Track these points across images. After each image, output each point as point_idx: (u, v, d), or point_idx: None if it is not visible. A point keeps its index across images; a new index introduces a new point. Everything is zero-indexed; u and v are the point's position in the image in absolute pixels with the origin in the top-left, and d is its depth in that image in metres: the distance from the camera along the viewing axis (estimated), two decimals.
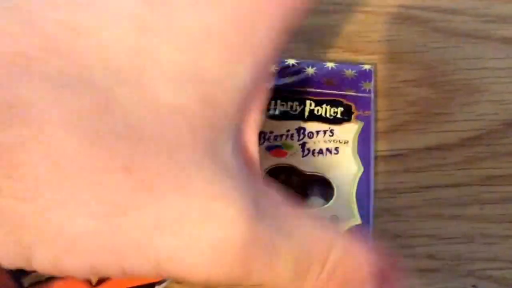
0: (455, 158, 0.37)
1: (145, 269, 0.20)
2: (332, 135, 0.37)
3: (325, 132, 0.38)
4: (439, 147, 0.38)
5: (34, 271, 0.32)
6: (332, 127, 0.38)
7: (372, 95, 0.39)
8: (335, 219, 0.34)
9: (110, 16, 0.21)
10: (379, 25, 0.43)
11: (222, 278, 0.21)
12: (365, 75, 0.40)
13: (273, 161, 0.37)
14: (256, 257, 0.22)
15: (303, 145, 0.37)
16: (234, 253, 0.21)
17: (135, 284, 0.34)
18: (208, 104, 0.22)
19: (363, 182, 0.35)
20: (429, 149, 0.38)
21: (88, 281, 0.34)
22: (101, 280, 0.33)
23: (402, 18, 0.42)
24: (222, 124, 0.23)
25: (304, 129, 0.38)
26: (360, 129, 0.37)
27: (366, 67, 0.40)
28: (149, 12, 0.21)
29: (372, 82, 0.39)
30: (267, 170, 0.37)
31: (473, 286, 0.33)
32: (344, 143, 0.37)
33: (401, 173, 0.36)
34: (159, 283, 0.33)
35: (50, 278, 0.34)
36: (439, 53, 0.40)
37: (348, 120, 0.38)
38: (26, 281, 0.34)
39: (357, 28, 0.43)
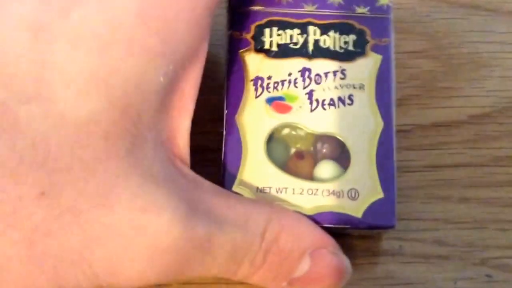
0: (463, 136, 0.34)
1: (86, 283, 0.21)
2: (344, 77, 0.31)
3: (335, 73, 0.31)
4: (445, 124, 0.34)
5: None
6: (343, 65, 0.31)
7: (391, 15, 0.32)
8: (354, 194, 0.30)
9: (7, 28, 0.20)
10: None
11: (159, 280, 0.23)
12: None
13: (276, 119, 0.31)
14: (190, 256, 0.23)
15: (310, 94, 0.31)
16: (168, 259, 0.22)
17: None
18: (121, 110, 0.21)
19: (384, 141, 0.30)
20: (435, 125, 0.34)
21: None
22: None
23: None
24: (141, 128, 0.22)
25: (310, 70, 0.31)
26: (378, 67, 0.31)
27: None
28: (45, 14, 0.20)
29: None
30: (269, 134, 0.31)
31: (487, 275, 0.31)
32: (359, 88, 0.31)
33: (405, 150, 0.32)
34: None
35: None
36: (445, 24, 0.36)
37: (362, 53, 0.31)
38: None
39: None
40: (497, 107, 0.35)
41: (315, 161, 0.30)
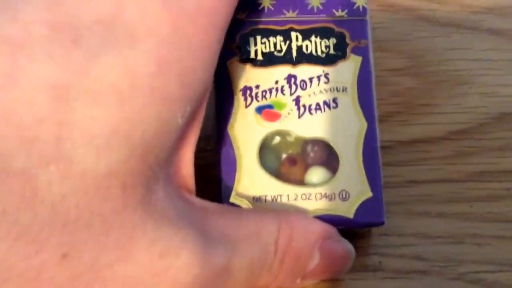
0: (442, 152, 0.35)
1: None
2: (327, 81, 0.32)
3: (319, 78, 0.32)
4: (425, 140, 0.36)
5: None
6: (326, 69, 0.32)
7: (368, 16, 0.33)
8: (344, 195, 0.32)
9: (26, 92, 0.20)
10: None
11: None
12: None
13: (266, 128, 0.32)
14: (212, 286, 0.24)
15: (297, 100, 0.32)
16: None
17: None
18: (140, 158, 0.22)
19: (368, 141, 0.32)
20: (414, 141, 0.35)
21: None
22: None
23: (385, 5, 0.38)
24: (155, 168, 0.22)
25: (295, 77, 0.32)
26: (358, 68, 0.32)
27: None
28: (64, 73, 0.20)
29: None
30: (261, 142, 0.32)
31: None
32: (343, 91, 0.32)
33: (385, 166, 0.33)
34: None
35: None
36: (424, 43, 0.37)
37: (343, 56, 0.33)
38: None
39: None
40: (474, 123, 0.37)
41: (306, 166, 0.31)
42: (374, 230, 0.34)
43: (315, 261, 0.28)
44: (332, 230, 0.29)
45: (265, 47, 0.32)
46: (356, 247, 0.32)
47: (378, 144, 0.32)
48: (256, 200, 0.31)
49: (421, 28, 0.38)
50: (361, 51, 0.32)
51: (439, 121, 0.37)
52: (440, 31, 0.38)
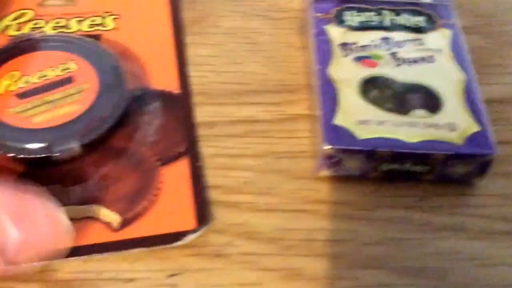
0: None
1: None
2: (421, 44, 0.34)
3: (413, 41, 0.34)
4: (501, 100, 0.36)
5: None
6: (419, 36, 0.34)
7: (451, 2, 0.36)
8: (452, 126, 0.30)
9: None
10: None
11: None
12: None
13: (366, 71, 0.33)
14: None
15: (393, 54, 0.34)
16: None
17: (164, 232, 0.29)
18: None
19: (470, 90, 0.32)
20: (490, 101, 0.35)
21: (110, 225, 0.29)
22: (123, 225, 0.29)
23: None
24: None
25: (390, 38, 0.34)
26: (450, 38, 0.34)
27: None
28: None
29: None
30: (362, 81, 0.32)
31: None
32: (437, 51, 0.34)
33: None
34: (193, 231, 0.29)
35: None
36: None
37: (433, 28, 0.35)
38: None
39: None
40: None
41: (408, 108, 0.31)
42: (457, 190, 0.32)
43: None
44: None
45: (360, 17, 0.35)
46: (439, 207, 0.31)
47: (478, 91, 0.32)
48: (361, 123, 0.30)
49: None
50: (450, 26, 0.35)
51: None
52: None
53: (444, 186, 0.31)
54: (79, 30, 0.36)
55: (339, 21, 0.34)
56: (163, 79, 0.34)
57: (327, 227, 0.30)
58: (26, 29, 0.36)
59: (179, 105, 0.34)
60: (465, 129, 0.30)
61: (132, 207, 0.29)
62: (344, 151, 0.29)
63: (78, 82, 0.32)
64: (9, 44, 0.34)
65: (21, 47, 0.33)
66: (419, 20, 0.35)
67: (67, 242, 0.26)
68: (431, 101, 0.31)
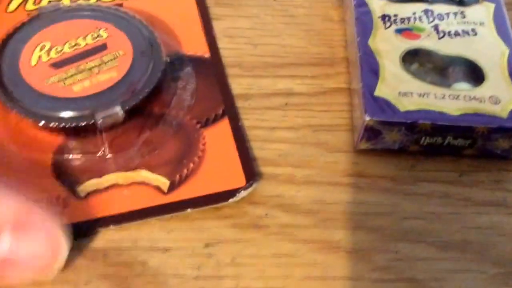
0: None
1: None
2: (464, 17, 0.33)
3: (455, 14, 0.33)
4: None
5: (90, 178, 0.28)
6: (461, 9, 0.34)
7: None
8: (495, 99, 0.30)
9: None
10: None
11: None
12: None
13: (407, 43, 0.32)
14: None
15: (435, 27, 0.33)
16: None
17: (214, 191, 0.29)
18: None
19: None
20: None
21: (159, 189, 0.29)
22: (172, 187, 0.29)
23: None
24: None
25: (432, 11, 0.34)
26: (492, 11, 0.33)
27: None
28: None
29: None
30: (402, 55, 0.32)
31: None
32: (480, 24, 0.33)
33: None
34: (244, 188, 0.29)
35: (112, 186, 0.29)
36: None
37: (477, 1, 0.34)
38: (82, 191, 0.29)
39: None
40: None
41: (451, 80, 0.30)
42: (498, 165, 0.31)
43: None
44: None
45: None
46: (480, 182, 0.30)
47: None
48: (402, 94, 0.30)
49: None
50: (493, 0, 0.34)
51: None
52: None
53: (485, 161, 0.31)
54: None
55: None
56: (192, 45, 0.34)
57: (365, 201, 0.29)
58: (44, 1, 0.36)
59: (210, 68, 0.34)
60: (509, 102, 0.29)
61: (178, 170, 0.29)
62: (385, 123, 0.29)
63: (111, 49, 0.32)
64: (35, 15, 0.33)
65: (48, 17, 0.33)
66: None
67: (60, 265, 0.25)
68: (473, 74, 0.31)
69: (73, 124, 0.29)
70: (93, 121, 0.29)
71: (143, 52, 0.31)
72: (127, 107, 0.29)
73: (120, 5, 0.35)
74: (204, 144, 0.30)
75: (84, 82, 0.30)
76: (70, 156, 0.30)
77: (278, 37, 0.35)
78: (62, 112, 0.29)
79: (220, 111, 0.32)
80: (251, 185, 0.29)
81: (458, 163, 0.31)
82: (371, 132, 0.29)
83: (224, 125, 0.31)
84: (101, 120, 0.29)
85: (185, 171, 0.29)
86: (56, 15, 0.33)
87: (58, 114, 0.29)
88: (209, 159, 0.30)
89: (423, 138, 0.30)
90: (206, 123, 0.31)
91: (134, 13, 0.34)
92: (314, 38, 0.35)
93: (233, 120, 0.31)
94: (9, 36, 0.32)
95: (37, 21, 0.33)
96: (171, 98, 0.32)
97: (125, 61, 0.31)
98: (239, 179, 0.29)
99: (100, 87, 0.30)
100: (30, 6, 0.36)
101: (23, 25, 0.33)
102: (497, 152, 0.30)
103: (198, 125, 0.31)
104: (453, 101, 0.29)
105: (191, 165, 0.30)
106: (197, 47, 0.34)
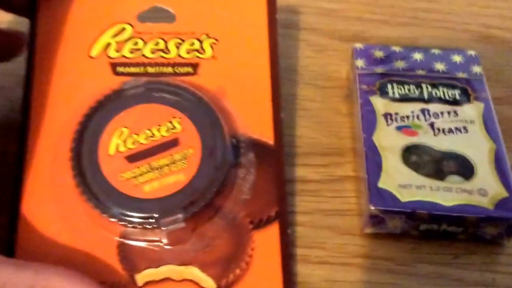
0: None
1: None
2: (456, 116, 0.38)
3: (449, 113, 0.38)
4: None
5: (148, 267, 0.31)
6: (454, 108, 0.38)
7: (484, 78, 0.40)
8: (483, 192, 0.34)
9: None
10: (461, 42, 0.45)
11: None
12: (473, 60, 0.41)
13: (407, 140, 0.37)
14: None
15: (431, 124, 0.38)
16: None
17: None
18: None
19: (499, 158, 0.36)
20: None
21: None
22: (227, 285, 0.31)
23: (482, 37, 0.46)
24: None
25: (428, 110, 0.38)
26: (482, 110, 0.38)
27: (471, 52, 0.42)
28: None
29: (481, 66, 0.41)
30: (403, 149, 0.37)
31: None
32: (471, 122, 0.38)
33: None
34: None
35: (165, 279, 0.31)
36: None
37: (467, 101, 0.39)
38: (140, 280, 0.31)
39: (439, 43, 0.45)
40: None
41: (444, 174, 0.35)
42: (488, 249, 0.35)
43: None
44: None
45: (400, 90, 0.39)
46: (471, 264, 0.34)
47: (508, 161, 0.36)
48: (402, 187, 0.34)
49: None
50: (483, 99, 0.39)
51: None
52: None
53: (476, 245, 0.35)
54: (177, 55, 0.36)
55: (382, 92, 0.39)
56: (257, 124, 0.35)
57: (371, 280, 0.34)
58: (125, 50, 0.36)
59: (272, 159, 0.34)
60: (495, 194, 0.34)
61: (225, 274, 0.31)
62: (388, 211, 0.33)
63: (182, 146, 0.33)
64: (117, 91, 0.34)
65: (130, 96, 0.34)
66: (455, 93, 0.39)
67: None
68: (465, 168, 0.35)
69: (139, 226, 0.31)
70: (156, 226, 0.31)
71: (211, 150, 0.32)
72: (188, 215, 0.31)
73: (197, 65, 0.36)
74: (252, 249, 0.32)
75: (153, 183, 0.32)
76: (133, 243, 0.31)
77: (293, 128, 0.40)
78: (130, 212, 0.31)
79: (273, 213, 0.33)
80: None
81: (452, 246, 0.35)
82: (375, 219, 0.34)
83: (274, 231, 0.32)
84: (163, 225, 0.31)
85: (231, 276, 0.31)
86: (136, 95, 0.35)
87: (126, 212, 0.31)
88: (255, 268, 0.31)
89: (421, 225, 0.34)
90: (258, 225, 0.32)
91: (207, 100, 0.34)
92: (325, 129, 0.40)
93: (283, 228, 0.32)
94: (93, 111, 0.33)
95: (119, 99, 0.34)
96: (231, 189, 0.33)
97: (193, 161, 0.32)
98: None
99: (168, 190, 0.31)
100: (112, 53, 0.36)
101: (106, 100, 0.34)
102: (487, 237, 0.34)
103: (251, 226, 0.32)
104: (446, 193, 0.34)
105: (238, 271, 0.31)
106: (262, 130, 0.35)
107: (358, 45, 0.42)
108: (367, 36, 0.45)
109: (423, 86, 0.39)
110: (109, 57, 0.36)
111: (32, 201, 0.32)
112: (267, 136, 0.35)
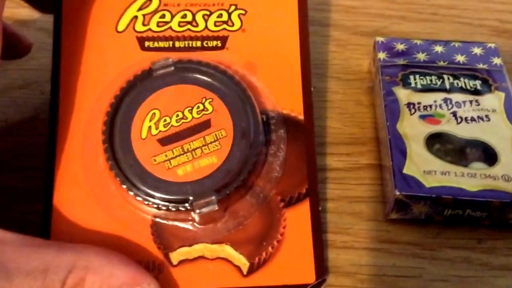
0: None
1: None
2: (478, 105, 0.39)
3: (471, 102, 0.39)
4: None
5: (182, 246, 0.31)
6: (476, 97, 0.39)
7: (504, 69, 0.41)
8: (507, 178, 0.35)
9: None
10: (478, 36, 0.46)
11: None
12: (492, 52, 0.42)
13: (430, 128, 0.38)
14: None
15: (454, 113, 0.38)
16: None
17: (285, 283, 0.32)
18: None
19: None
20: None
21: (239, 269, 0.32)
22: (251, 270, 0.32)
23: (499, 31, 0.46)
24: None
25: (451, 99, 0.39)
26: (503, 99, 0.39)
27: (491, 45, 0.42)
28: None
29: (501, 58, 0.41)
30: (426, 137, 0.37)
31: None
32: (492, 111, 0.38)
33: None
34: (314, 286, 0.32)
35: (199, 257, 0.32)
36: None
37: (489, 91, 0.39)
38: (174, 258, 0.32)
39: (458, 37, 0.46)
40: None
41: (468, 161, 0.36)
42: (510, 233, 0.36)
43: None
44: (143, 277, 0.28)
45: (423, 81, 0.40)
46: (496, 248, 0.35)
47: None
48: (426, 173, 0.35)
49: None
50: (504, 89, 0.40)
51: None
52: None
53: (500, 230, 0.35)
54: (205, 28, 0.35)
55: (405, 83, 0.40)
56: (287, 99, 0.34)
57: (396, 265, 0.34)
58: (152, 23, 0.35)
59: (302, 134, 0.34)
60: None
61: (258, 252, 0.31)
62: (413, 197, 0.34)
63: (214, 127, 0.32)
64: (147, 71, 0.34)
65: (160, 78, 0.33)
66: (476, 84, 0.39)
67: None
68: (488, 155, 0.36)
69: (173, 209, 0.31)
70: (190, 208, 0.31)
71: (243, 132, 0.32)
72: (220, 197, 0.31)
73: (226, 38, 0.35)
74: (284, 227, 0.32)
75: (186, 166, 0.31)
76: (166, 222, 0.32)
77: (318, 119, 0.41)
78: (163, 195, 0.31)
79: (304, 190, 0.33)
80: (320, 283, 0.31)
81: (477, 232, 0.36)
82: (400, 205, 0.34)
83: (305, 208, 0.32)
84: (197, 208, 0.31)
85: (264, 254, 0.31)
86: (167, 75, 0.34)
87: (160, 195, 0.31)
88: (286, 245, 0.32)
89: (446, 210, 0.35)
90: (289, 203, 0.32)
91: (239, 78, 0.34)
92: (348, 120, 0.41)
93: (314, 205, 0.32)
94: (123, 93, 0.33)
95: (149, 80, 0.33)
96: (262, 167, 0.33)
97: (226, 144, 0.32)
98: (310, 275, 0.31)
99: (201, 173, 0.31)
100: (139, 27, 0.35)
101: (136, 80, 0.33)
102: (511, 222, 0.35)
103: (282, 204, 0.32)
104: (471, 178, 0.34)
105: (270, 249, 0.31)
106: (293, 105, 0.34)
107: (380, 38, 0.42)
108: (388, 31, 0.46)
109: (445, 77, 0.40)
110: (136, 31, 0.35)
111: (65, 185, 0.32)
112: (297, 111, 0.34)
